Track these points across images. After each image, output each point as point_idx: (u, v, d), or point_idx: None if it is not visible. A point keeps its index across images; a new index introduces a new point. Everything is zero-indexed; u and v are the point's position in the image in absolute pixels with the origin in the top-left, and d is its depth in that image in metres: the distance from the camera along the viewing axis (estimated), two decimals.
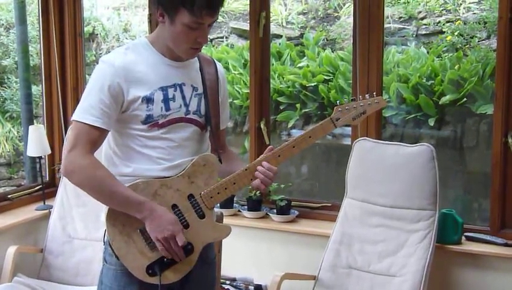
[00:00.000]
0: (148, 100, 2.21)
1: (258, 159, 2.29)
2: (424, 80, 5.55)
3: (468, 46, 5.89)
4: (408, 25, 6.38)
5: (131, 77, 2.20)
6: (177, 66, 2.28)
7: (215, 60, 2.45)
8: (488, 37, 5.89)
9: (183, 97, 2.28)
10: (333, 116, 2.31)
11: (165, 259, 2.23)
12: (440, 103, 5.42)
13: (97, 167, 2.17)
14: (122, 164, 2.25)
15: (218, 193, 2.28)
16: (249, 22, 4.10)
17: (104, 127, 2.18)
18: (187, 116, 2.29)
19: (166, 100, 2.23)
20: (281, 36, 6.66)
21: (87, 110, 2.17)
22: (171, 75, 2.26)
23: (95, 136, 2.17)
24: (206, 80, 2.35)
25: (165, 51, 2.26)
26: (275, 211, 3.98)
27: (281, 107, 6.19)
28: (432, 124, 5.45)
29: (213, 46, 6.68)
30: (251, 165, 2.28)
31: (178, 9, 2.13)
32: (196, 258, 2.28)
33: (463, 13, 6.19)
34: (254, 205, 4.03)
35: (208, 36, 2.25)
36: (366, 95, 2.34)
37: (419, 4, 6.47)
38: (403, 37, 6.33)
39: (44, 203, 4.26)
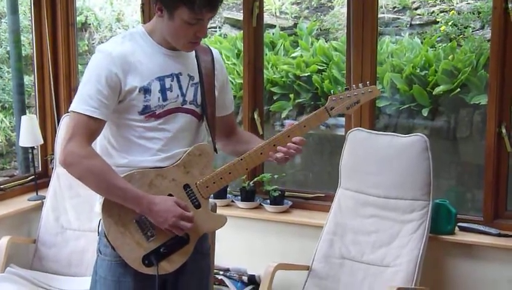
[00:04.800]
0: (146, 90, 2.20)
1: (254, 149, 2.28)
2: (418, 70, 5.56)
3: (462, 36, 5.89)
4: (402, 15, 6.38)
5: (129, 67, 2.18)
6: (174, 55, 2.27)
7: (211, 48, 2.44)
8: (482, 27, 5.90)
9: (180, 87, 2.27)
10: (327, 105, 2.31)
11: (161, 249, 2.23)
12: (434, 93, 5.43)
13: (95, 159, 2.16)
14: (118, 155, 2.24)
15: (214, 183, 2.28)
16: (242, 11, 4.09)
17: (102, 117, 2.16)
18: (184, 106, 2.28)
19: (163, 90, 2.23)
20: (275, 26, 6.65)
21: (85, 101, 2.15)
22: (168, 64, 2.25)
23: (93, 127, 2.16)
24: (202, 68, 2.35)
25: (162, 40, 2.25)
26: (268, 201, 3.97)
27: (275, 98, 6.18)
28: (426, 115, 5.45)
29: (206, 36, 6.64)
30: (246, 155, 2.28)
31: (178, 5, 2.12)
32: (192, 249, 2.29)
33: (457, 3, 6.20)
34: (247, 195, 4.02)
35: (207, 29, 2.24)
36: (360, 84, 2.34)
37: None
38: (397, 27, 6.33)
39: (37, 193, 4.24)
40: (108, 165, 2.18)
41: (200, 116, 2.34)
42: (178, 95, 2.26)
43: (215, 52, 2.44)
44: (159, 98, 2.22)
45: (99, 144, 2.30)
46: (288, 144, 2.26)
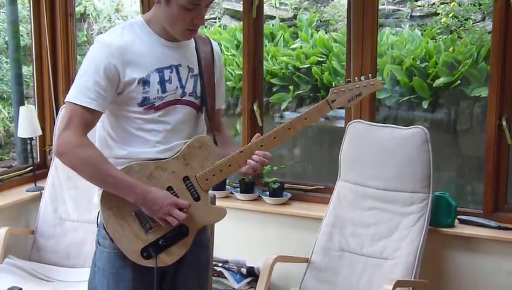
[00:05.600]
0: (145, 82, 2.18)
1: (254, 141, 2.27)
2: (418, 62, 5.54)
3: (462, 28, 5.88)
4: (402, 7, 6.36)
5: (127, 58, 2.16)
6: (173, 46, 2.25)
7: (210, 39, 2.42)
8: (483, 19, 5.88)
9: (179, 79, 2.25)
10: (329, 98, 2.29)
11: (160, 241, 2.22)
12: (434, 85, 5.42)
13: (89, 148, 2.14)
14: (117, 147, 2.23)
15: (213, 175, 2.26)
16: (242, 2, 4.07)
17: (99, 109, 2.14)
18: (183, 98, 2.26)
19: (162, 82, 2.21)
20: (274, 17, 6.63)
21: (82, 92, 2.13)
22: (167, 56, 2.23)
23: (89, 118, 2.14)
24: (202, 59, 2.33)
25: (161, 31, 2.23)
26: (267, 193, 3.97)
27: (274, 89, 6.17)
28: (426, 107, 5.45)
29: (205, 27, 6.63)
30: (246, 147, 2.26)
31: None
32: (191, 241, 2.27)
33: None
34: (247, 187, 4.02)
35: (204, 17, 2.22)
36: (362, 77, 2.32)
37: None
38: (397, 18, 6.32)
39: (35, 184, 4.23)
40: (102, 155, 2.17)
41: (199, 108, 2.33)
42: (177, 87, 2.25)
43: (214, 43, 2.42)
44: (158, 90, 2.20)
45: (98, 135, 2.28)
46: (255, 157, 2.25)
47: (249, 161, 2.25)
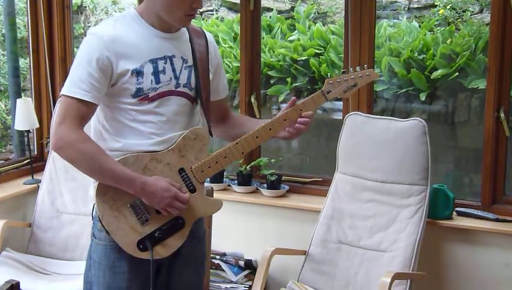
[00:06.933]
0: (138, 73, 2.17)
1: (250, 133, 2.26)
2: (416, 54, 5.52)
3: (460, 20, 5.86)
4: None
5: (120, 50, 2.16)
6: (167, 37, 2.24)
7: (204, 31, 2.41)
8: (481, 11, 5.87)
9: (173, 70, 2.25)
10: (324, 89, 2.29)
11: (156, 234, 2.22)
12: (432, 77, 5.39)
13: (87, 142, 2.14)
14: (111, 139, 2.22)
15: (209, 167, 2.26)
16: None
17: (94, 101, 2.14)
18: (177, 89, 2.26)
19: (156, 73, 2.20)
20: (272, 9, 6.60)
21: (76, 84, 2.13)
22: (161, 47, 2.23)
23: (84, 111, 2.14)
24: (196, 51, 2.32)
25: (154, 22, 2.22)
26: (265, 185, 3.97)
27: (272, 81, 6.14)
28: (424, 99, 5.42)
29: (203, 19, 6.61)
30: (242, 139, 2.26)
31: None
32: (187, 233, 2.27)
33: None
34: (244, 179, 4.01)
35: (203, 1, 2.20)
36: (357, 68, 2.32)
37: None
38: (395, 10, 6.29)
39: (32, 177, 4.23)
40: (100, 148, 2.16)
41: (194, 99, 2.32)
42: (171, 78, 2.24)
43: (208, 35, 2.42)
44: (151, 80, 2.19)
45: (93, 128, 2.28)
46: (298, 119, 2.25)
47: (288, 128, 2.26)
